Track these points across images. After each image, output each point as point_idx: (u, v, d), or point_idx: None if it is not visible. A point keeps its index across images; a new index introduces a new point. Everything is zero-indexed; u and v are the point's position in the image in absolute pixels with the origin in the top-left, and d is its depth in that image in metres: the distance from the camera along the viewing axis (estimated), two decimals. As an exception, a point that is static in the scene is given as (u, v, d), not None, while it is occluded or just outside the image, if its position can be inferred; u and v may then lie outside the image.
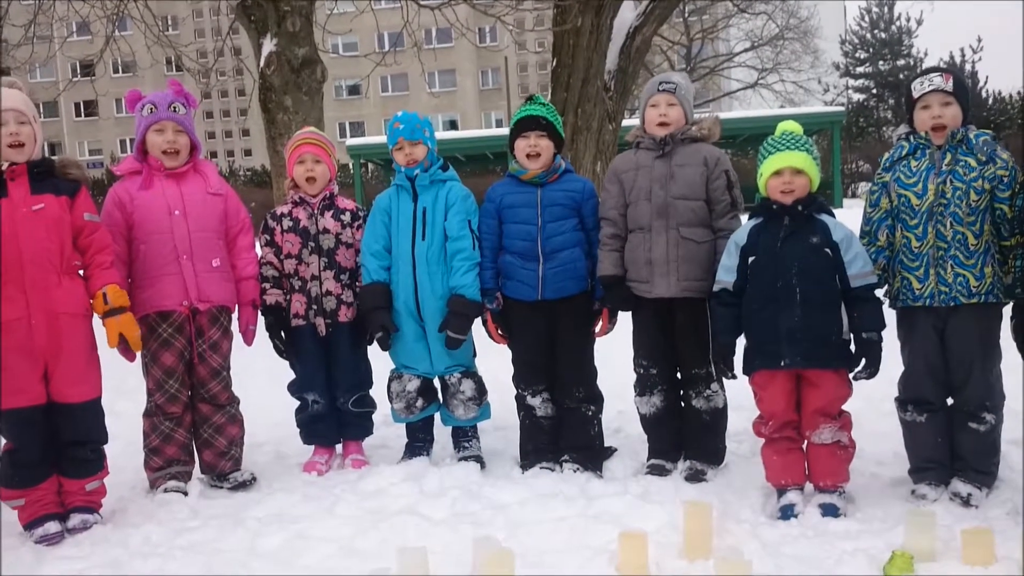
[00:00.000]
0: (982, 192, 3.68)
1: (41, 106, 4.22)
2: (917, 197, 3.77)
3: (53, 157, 3.94)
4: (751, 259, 3.77)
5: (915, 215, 3.78)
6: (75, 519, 3.85)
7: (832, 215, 3.79)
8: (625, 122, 10.08)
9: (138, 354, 4.15)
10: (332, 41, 11.28)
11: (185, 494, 4.19)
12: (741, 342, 3.89)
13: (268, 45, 8.14)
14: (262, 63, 8.19)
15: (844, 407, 3.79)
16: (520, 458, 4.47)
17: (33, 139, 3.81)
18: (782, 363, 3.68)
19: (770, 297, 3.69)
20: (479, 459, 4.49)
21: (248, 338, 4.49)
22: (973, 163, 3.71)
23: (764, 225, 3.79)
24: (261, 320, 4.53)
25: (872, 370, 3.69)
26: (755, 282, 3.76)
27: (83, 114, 60.49)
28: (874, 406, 4.31)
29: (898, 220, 3.86)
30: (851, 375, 3.73)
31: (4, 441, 3.84)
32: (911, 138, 3.87)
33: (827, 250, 3.67)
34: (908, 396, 3.90)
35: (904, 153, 3.87)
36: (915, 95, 3.82)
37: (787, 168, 3.71)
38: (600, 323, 4.37)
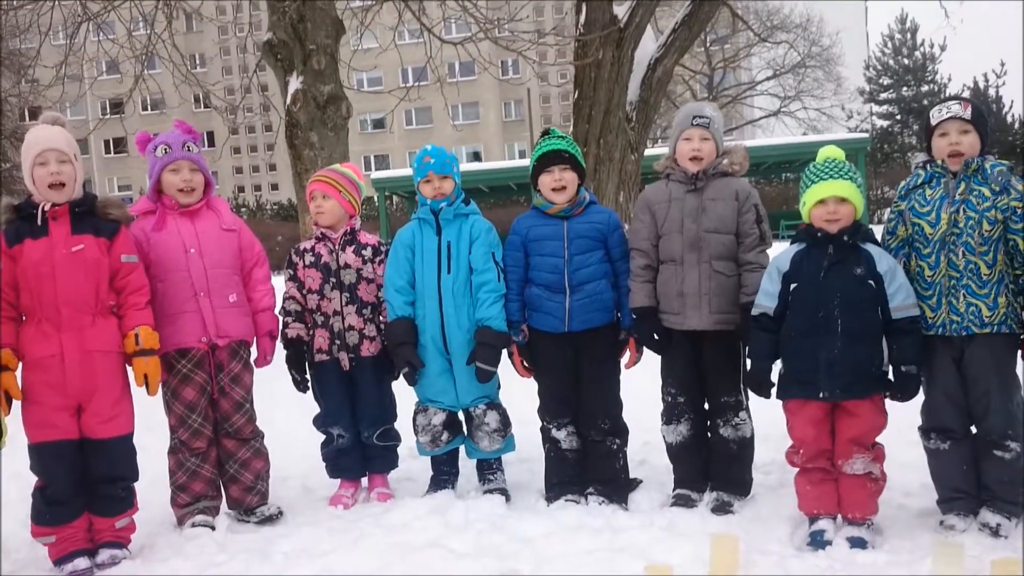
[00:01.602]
0: (995, 222, 3.67)
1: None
2: (930, 226, 3.76)
3: (94, 194, 4.01)
4: (793, 286, 3.76)
5: (928, 244, 3.77)
6: (104, 554, 3.89)
7: (877, 243, 3.78)
8: (648, 151, 10.12)
9: (159, 392, 4.20)
10: (357, 77, 11.42)
11: (213, 528, 4.20)
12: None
13: (294, 83, 8.27)
14: (288, 100, 8.32)
15: (878, 438, 3.77)
16: (545, 490, 4.46)
17: (73, 178, 3.88)
18: (820, 395, 3.67)
19: (811, 327, 3.68)
20: (504, 492, 4.49)
21: (262, 364, 4.50)
22: (987, 193, 3.70)
23: (807, 252, 3.77)
24: (282, 353, 4.57)
25: (907, 399, 3.69)
26: (796, 310, 3.75)
27: (112, 151, 61.40)
28: (901, 436, 4.25)
29: (912, 248, 3.86)
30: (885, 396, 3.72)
31: (36, 478, 3.89)
32: (928, 167, 3.87)
33: (871, 281, 3.65)
34: (930, 425, 3.87)
35: (920, 181, 3.87)
36: (933, 122, 3.83)
37: (832, 197, 3.70)
38: (628, 354, 4.37)
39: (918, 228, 3.81)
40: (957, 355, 3.74)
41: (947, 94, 47.98)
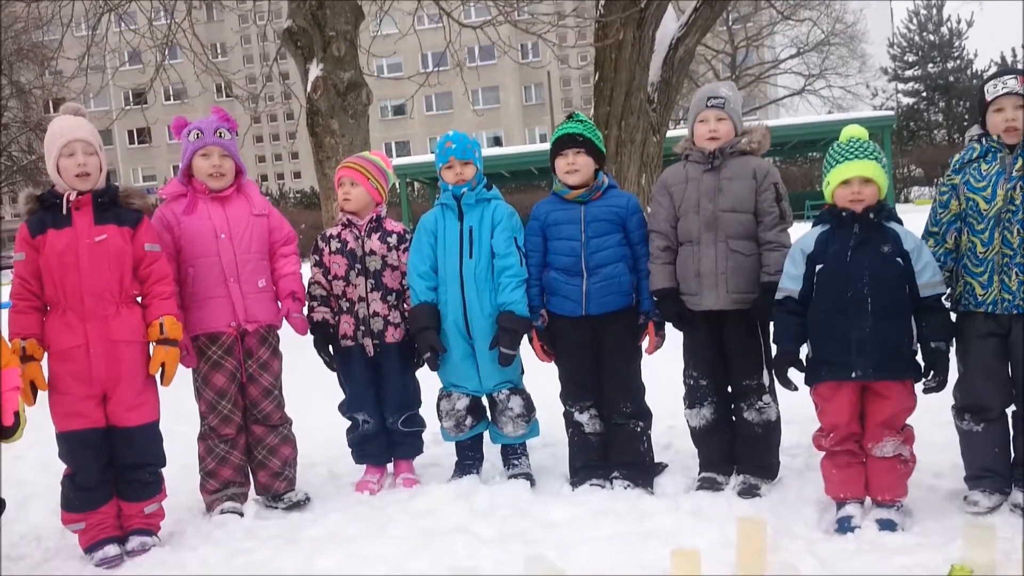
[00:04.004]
0: None
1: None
2: (985, 202, 3.69)
3: (116, 184, 4.03)
4: (819, 267, 3.71)
5: (982, 220, 3.70)
6: (134, 541, 3.92)
7: (900, 222, 3.72)
8: (670, 133, 10.05)
9: (190, 378, 4.24)
10: (377, 63, 11.43)
11: (241, 515, 4.24)
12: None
13: (314, 70, 8.29)
14: (309, 88, 8.34)
15: (907, 420, 3.73)
16: (570, 475, 4.46)
17: (99, 169, 3.90)
18: (853, 375, 3.62)
19: (840, 307, 3.63)
20: (529, 476, 4.49)
21: (297, 325, 4.48)
22: None
23: (832, 232, 3.72)
24: (308, 337, 4.58)
25: (941, 379, 3.64)
26: (823, 291, 3.70)
27: (136, 141, 61.87)
28: (931, 416, 4.21)
29: (965, 223, 3.78)
30: (920, 386, 3.68)
31: (64, 467, 3.93)
32: (983, 140, 3.79)
33: (899, 259, 3.61)
34: (965, 403, 3.82)
35: (975, 155, 3.79)
36: (988, 98, 3.74)
37: (856, 178, 3.65)
38: (648, 339, 4.34)
39: (972, 203, 3.74)
40: (1002, 332, 3.68)
41: (974, 70, 47.44)
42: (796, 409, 4.34)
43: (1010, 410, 3.79)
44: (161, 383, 3.98)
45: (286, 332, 4.53)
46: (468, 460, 4.62)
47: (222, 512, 4.24)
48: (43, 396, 3.80)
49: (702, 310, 4.11)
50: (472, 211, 4.42)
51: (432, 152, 4.65)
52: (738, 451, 4.26)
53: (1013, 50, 44.76)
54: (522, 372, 4.56)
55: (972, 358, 3.78)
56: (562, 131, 4.35)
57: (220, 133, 4.33)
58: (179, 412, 4.78)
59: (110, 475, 3.93)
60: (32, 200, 3.88)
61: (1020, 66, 41.64)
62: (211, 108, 4.55)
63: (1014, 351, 3.68)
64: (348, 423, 4.72)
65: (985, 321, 3.71)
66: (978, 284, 3.71)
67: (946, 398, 3.91)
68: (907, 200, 33.77)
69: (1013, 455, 3.78)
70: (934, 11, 49.92)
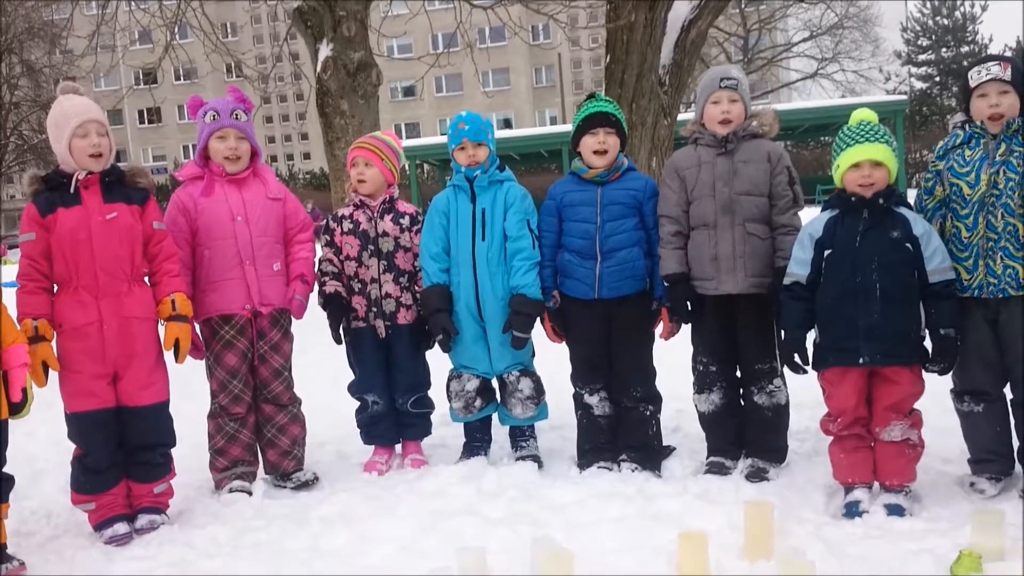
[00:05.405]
0: None
1: (106, 114, 4.39)
2: (969, 187, 3.70)
3: (121, 164, 4.04)
4: (827, 252, 3.70)
5: (966, 205, 3.70)
6: (143, 519, 3.95)
7: (910, 207, 3.71)
8: (681, 116, 9.98)
9: (199, 360, 4.26)
10: (387, 43, 11.40)
11: (250, 494, 4.26)
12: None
13: (324, 50, 8.25)
14: (319, 68, 8.31)
15: (915, 405, 3.72)
16: (578, 457, 4.46)
17: (109, 149, 3.92)
18: (860, 360, 3.62)
19: (848, 292, 3.62)
20: (537, 459, 4.50)
21: (295, 308, 4.42)
22: None
23: (840, 217, 3.71)
24: (320, 317, 4.58)
25: (947, 365, 3.64)
26: (831, 276, 3.69)
27: (146, 121, 61.85)
28: (939, 401, 4.20)
29: (949, 209, 3.79)
30: (924, 368, 3.67)
31: (74, 446, 3.94)
32: (967, 127, 3.79)
33: (908, 244, 3.60)
34: (964, 387, 3.84)
35: (959, 142, 3.80)
36: (972, 84, 3.75)
37: (866, 161, 3.63)
38: (662, 325, 4.33)
39: (956, 189, 3.75)
40: (992, 317, 3.70)
41: (987, 55, 47.00)
42: (805, 394, 4.33)
43: (1009, 396, 3.80)
44: (176, 359, 4.00)
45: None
46: (476, 441, 4.63)
47: (231, 491, 4.26)
48: (53, 374, 3.80)
49: (716, 295, 4.09)
50: (485, 193, 4.40)
51: (443, 134, 4.64)
52: (747, 435, 4.26)
53: (1029, 35, 44.37)
54: (532, 354, 4.55)
55: (966, 344, 3.77)
56: (594, 108, 4.31)
57: (236, 115, 4.33)
58: (188, 392, 4.80)
59: (120, 456, 3.95)
60: (37, 180, 3.88)
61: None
62: (227, 88, 4.53)
63: (1003, 335, 3.69)
64: (357, 404, 4.73)
65: (975, 307, 3.71)
66: (963, 269, 3.72)
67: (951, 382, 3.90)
68: (919, 185, 33.55)
69: (1017, 444, 3.79)
70: (948, -5, 49.54)
